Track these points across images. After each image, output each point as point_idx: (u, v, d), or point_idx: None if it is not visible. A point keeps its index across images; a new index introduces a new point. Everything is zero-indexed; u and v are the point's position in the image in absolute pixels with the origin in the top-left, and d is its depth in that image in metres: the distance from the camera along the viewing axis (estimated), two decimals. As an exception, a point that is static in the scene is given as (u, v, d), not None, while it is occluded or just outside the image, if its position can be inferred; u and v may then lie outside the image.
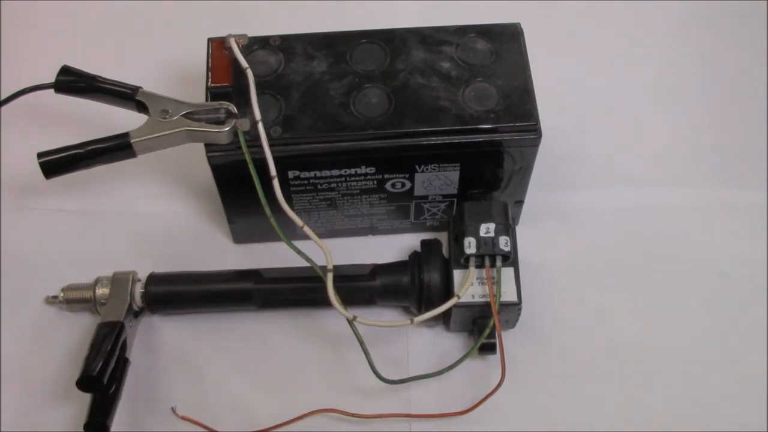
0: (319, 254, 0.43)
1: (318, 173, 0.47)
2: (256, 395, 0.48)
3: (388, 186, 0.48)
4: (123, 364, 0.47)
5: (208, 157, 0.45)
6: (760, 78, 0.61)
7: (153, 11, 0.63)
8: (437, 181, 0.48)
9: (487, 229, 0.45)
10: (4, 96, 0.50)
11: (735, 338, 0.50)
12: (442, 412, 0.46)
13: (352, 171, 0.47)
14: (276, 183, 0.43)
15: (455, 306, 0.45)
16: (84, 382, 0.43)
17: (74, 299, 0.49)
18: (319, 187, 0.48)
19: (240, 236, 0.53)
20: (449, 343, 0.50)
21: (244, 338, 0.50)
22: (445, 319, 0.49)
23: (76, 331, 0.50)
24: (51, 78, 0.47)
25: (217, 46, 0.47)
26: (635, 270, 0.52)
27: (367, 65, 0.47)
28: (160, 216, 0.55)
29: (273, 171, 0.43)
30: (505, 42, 0.48)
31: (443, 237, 0.50)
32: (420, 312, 0.48)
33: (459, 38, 0.48)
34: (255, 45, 0.47)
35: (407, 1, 0.63)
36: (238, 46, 0.46)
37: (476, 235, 0.45)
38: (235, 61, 0.46)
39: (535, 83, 0.46)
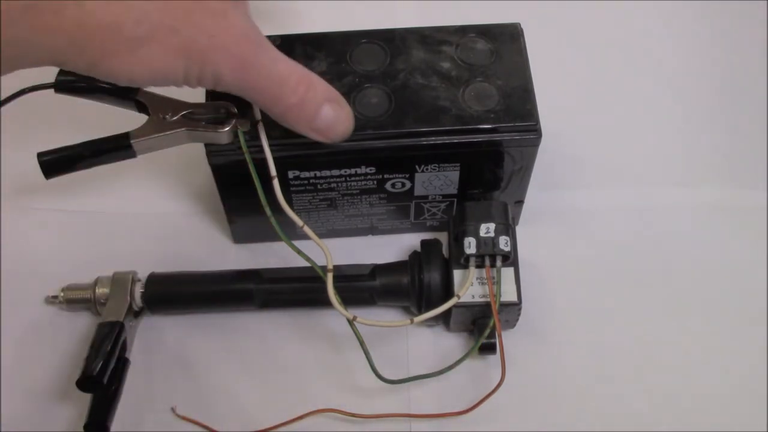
0: (319, 254, 0.43)
1: (318, 173, 0.47)
2: (256, 395, 0.48)
3: (388, 186, 0.48)
4: (123, 364, 0.47)
5: (208, 157, 0.45)
6: (760, 78, 0.61)
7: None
8: (437, 181, 0.48)
9: (487, 229, 0.45)
10: (4, 96, 0.50)
11: (735, 338, 0.50)
12: (442, 412, 0.46)
13: (352, 171, 0.47)
14: (276, 183, 0.43)
15: (455, 306, 0.45)
16: (84, 382, 0.43)
17: (74, 299, 0.49)
18: (319, 187, 0.48)
19: (240, 236, 0.53)
20: (449, 343, 0.50)
21: (244, 338, 0.50)
22: (445, 319, 0.49)
23: (76, 331, 0.50)
24: (51, 78, 0.47)
25: (217, 46, 0.47)
26: (635, 270, 0.52)
27: (367, 65, 0.47)
28: (160, 216, 0.55)
29: (273, 171, 0.43)
30: (505, 42, 0.48)
31: (443, 237, 0.50)
32: (420, 312, 0.48)
33: (459, 38, 0.48)
34: (255, 45, 0.47)
35: (407, 1, 0.63)
36: (238, 46, 0.46)
37: (476, 235, 0.45)
38: (235, 61, 0.46)
39: (535, 83, 0.46)
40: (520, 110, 0.45)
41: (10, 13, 0.29)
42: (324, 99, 0.40)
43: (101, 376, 0.43)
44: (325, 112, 0.40)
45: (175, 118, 0.44)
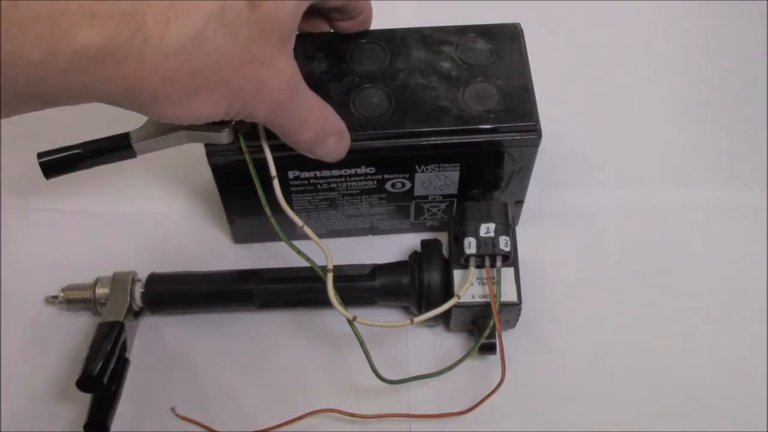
0: (319, 254, 0.43)
1: (318, 173, 0.47)
2: (256, 395, 0.48)
3: (388, 186, 0.48)
4: (123, 364, 0.47)
5: (208, 157, 0.45)
6: (760, 78, 0.61)
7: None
8: (437, 181, 0.48)
9: (487, 229, 0.45)
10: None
11: (735, 338, 0.50)
12: (442, 412, 0.46)
13: (352, 171, 0.47)
14: (276, 183, 0.43)
15: (455, 306, 0.45)
16: (84, 382, 0.43)
17: (74, 299, 0.49)
18: (319, 187, 0.48)
19: (240, 236, 0.53)
20: (449, 343, 0.50)
21: (244, 338, 0.50)
22: (445, 319, 0.49)
23: (76, 331, 0.50)
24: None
25: (217, 46, 0.47)
26: (635, 270, 0.52)
27: (367, 65, 0.47)
28: (160, 216, 0.55)
29: (273, 171, 0.43)
30: (505, 42, 0.48)
31: (443, 237, 0.50)
32: (420, 312, 0.48)
33: (459, 38, 0.48)
34: (255, 45, 0.47)
35: (407, 1, 0.63)
36: (239, 46, 0.46)
37: (476, 235, 0.45)
38: (235, 61, 0.46)
39: (535, 83, 0.46)
40: (520, 110, 0.45)
41: (77, 63, 0.31)
42: (331, 132, 0.42)
43: (101, 376, 0.43)
44: (329, 143, 0.42)
45: (175, 118, 0.44)
